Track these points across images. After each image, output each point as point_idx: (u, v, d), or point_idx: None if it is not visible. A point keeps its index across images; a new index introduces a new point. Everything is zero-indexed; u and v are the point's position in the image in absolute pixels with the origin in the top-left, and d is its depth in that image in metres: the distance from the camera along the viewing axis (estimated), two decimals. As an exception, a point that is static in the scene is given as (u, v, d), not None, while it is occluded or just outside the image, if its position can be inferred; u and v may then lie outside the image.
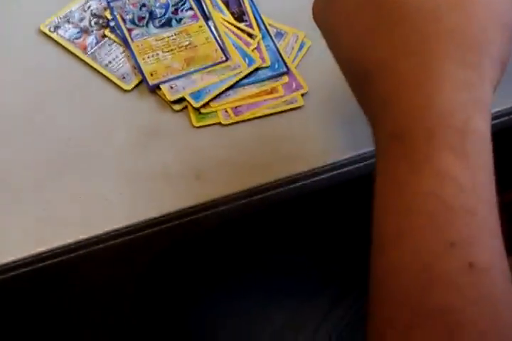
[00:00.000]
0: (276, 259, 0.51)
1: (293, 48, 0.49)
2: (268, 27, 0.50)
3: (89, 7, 0.50)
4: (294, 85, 0.47)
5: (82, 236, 0.39)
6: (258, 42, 0.49)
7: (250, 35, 0.49)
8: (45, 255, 0.39)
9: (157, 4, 0.50)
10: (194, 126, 0.45)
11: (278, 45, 0.49)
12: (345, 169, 0.45)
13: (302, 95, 0.47)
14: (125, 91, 0.46)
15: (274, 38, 0.49)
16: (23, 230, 0.40)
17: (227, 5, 0.50)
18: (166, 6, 0.50)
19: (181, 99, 0.46)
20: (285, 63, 0.48)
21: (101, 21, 0.50)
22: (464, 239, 0.24)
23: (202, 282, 0.49)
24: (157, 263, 0.51)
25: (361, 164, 0.45)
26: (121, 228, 0.39)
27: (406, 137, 0.25)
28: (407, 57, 0.26)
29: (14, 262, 0.39)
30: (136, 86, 0.47)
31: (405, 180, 0.26)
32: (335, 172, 0.45)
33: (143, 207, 0.41)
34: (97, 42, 0.48)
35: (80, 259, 0.40)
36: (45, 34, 0.49)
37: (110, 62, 0.47)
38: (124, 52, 0.48)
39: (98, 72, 0.47)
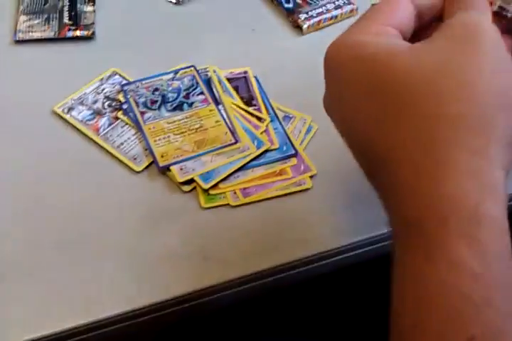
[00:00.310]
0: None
1: (300, 131, 0.50)
2: (276, 111, 0.51)
3: (103, 90, 0.52)
4: (302, 167, 0.48)
5: (83, 321, 0.38)
6: (267, 126, 0.50)
7: (259, 119, 0.50)
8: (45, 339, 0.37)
9: (169, 88, 0.52)
10: (202, 207, 0.45)
11: (286, 128, 0.50)
12: (354, 253, 0.44)
13: (311, 177, 0.47)
14: (136, 172, 0.47)
15: (282, 121, 0.51)
16: (23, 313, 0.39)
17: (237, 90, 0.52)
18: (178, 91, 0.51)
19: (190, 181, 0.46)
20: (293, 146, 0.49)
21: (114, 104, 0.51)
22: (483, 333, 0.23)
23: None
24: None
25: (371, 247, 0.45)
26: (123, 313, 0.38)
27: (419, 226, 0.25)
28: (414, 145, 0.26)
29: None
30: (147, 167, 0.47)
31: (420, 268, 0.25)
32: (344, 256, 0.44)
33: (148, 290, 0.40)
34: (109, 124, 0.50)
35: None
36: (58, 115, 0.50)
37: (122, 144, 0.48)
38: (136, 134, 0.49)
39: (110, 153, 0.48)
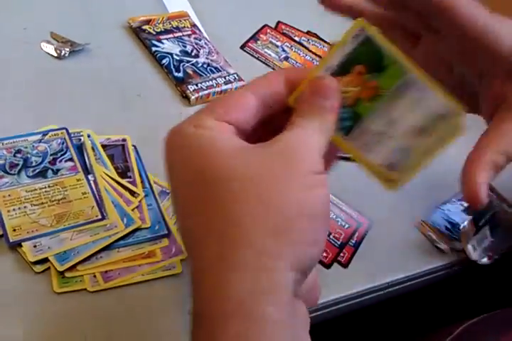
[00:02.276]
0: None
1: (176, 209, 0.47)
2: (153, 185, 0.48)
3: (-44, 147, 0.46)
4: (173, 250, 0.44)
5: None
6: (140, 201, 0.46)
7: (132, 193, 0.46)
8: None
9: (34, 151, 0.46)
10: (55, 292, 0.40)
11: (161, 205, 0.47)
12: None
13: (181, 260, 0.44)
14: (-22, 247, 0.41)
15: (158, 197, 0.47)
16: None
17: (112, 159, 0.48)
18: (44, 155, 0.46)
19: (44, 260, 0.41)
20: (167, 225, 0.45)
21: (-34, 164, 0.45)
22: None
23: None
24: None
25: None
26: None
27: (201, 321, 0.27)
28: (209, 241, 0.27)
29: None
30: (-6, 241, 0.41)
31: None
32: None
33: None
34: (-44, 188, 0.43)
35: None
36: None
37: (-33, 212, 0.42)
38: (-14, 201, 0.43)
39: (-50, 222, 0.41)
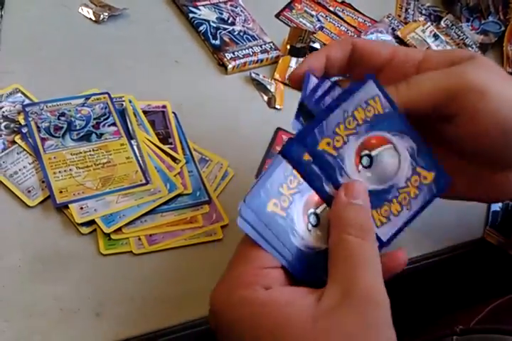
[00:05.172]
0: None
1: (216, 176, 0.48)
2: (193, 152, 0.48)
3: (0, 108, 0.46)
4: (214, 216, 0.45)
5: None
6: (181, 168, 0.47)
7: (174, 159, 0.47)
8: None
9: (78, 115, 0.47)
10: (101, 254, 0.41)
11: (201, 172, 0.47)
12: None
13: (222, 227, 0.45)
14: (28, 206, 0.42)
15: (198, 164, 0.48)
16: None
17: (153, 125, 0.49)
18: (88, 119, 0.47)
19: (91, 222, 0.42)
20: (207, 192, 0.46)
21: (12, 126, 0.45)
22: None
23: None
24: None
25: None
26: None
27: None
28: None
29: None
30: (41, 202, 0.42)
31: None
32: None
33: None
34: (4, 149, 0.44)
35: None
36: None
37: (16, 173, 0.43)
38: (33, 163, 0.44)
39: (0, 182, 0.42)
